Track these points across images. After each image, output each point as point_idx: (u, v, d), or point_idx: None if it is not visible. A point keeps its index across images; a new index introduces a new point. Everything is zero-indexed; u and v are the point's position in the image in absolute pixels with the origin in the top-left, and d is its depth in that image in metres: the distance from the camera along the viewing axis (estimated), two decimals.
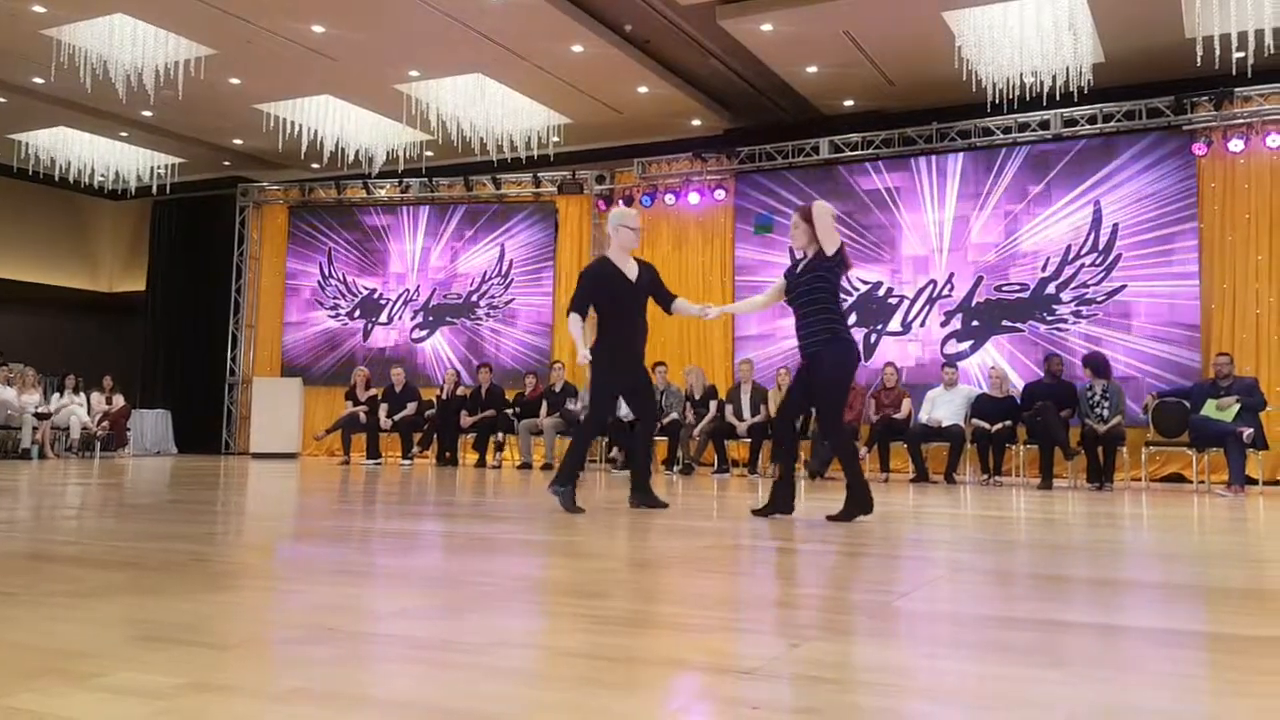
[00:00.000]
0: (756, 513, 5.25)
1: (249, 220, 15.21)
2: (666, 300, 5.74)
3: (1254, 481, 9.14)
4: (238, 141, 14.57)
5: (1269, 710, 1.66)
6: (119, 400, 13.52)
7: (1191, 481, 9.78)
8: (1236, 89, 10.28)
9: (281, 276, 15.04)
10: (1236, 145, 10.29)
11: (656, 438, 11.15)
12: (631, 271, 5.56)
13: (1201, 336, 10.31)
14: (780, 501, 5.18)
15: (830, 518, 5.04)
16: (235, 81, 12.08)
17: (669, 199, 12.97)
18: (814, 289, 5.12)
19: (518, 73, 11.52)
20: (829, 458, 10.21)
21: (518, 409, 12.00)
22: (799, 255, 5.39)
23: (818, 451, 10.28)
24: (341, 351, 14.61)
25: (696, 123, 13.16)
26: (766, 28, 10.20)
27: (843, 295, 11.71)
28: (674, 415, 10.92)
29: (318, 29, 10.53)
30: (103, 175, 14.79)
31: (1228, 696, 1.75)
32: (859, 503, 5.02)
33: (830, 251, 5.13)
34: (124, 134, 14.03)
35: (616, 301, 5.54)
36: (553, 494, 5.44)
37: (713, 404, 10.95)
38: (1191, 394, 9.25)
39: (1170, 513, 6.43)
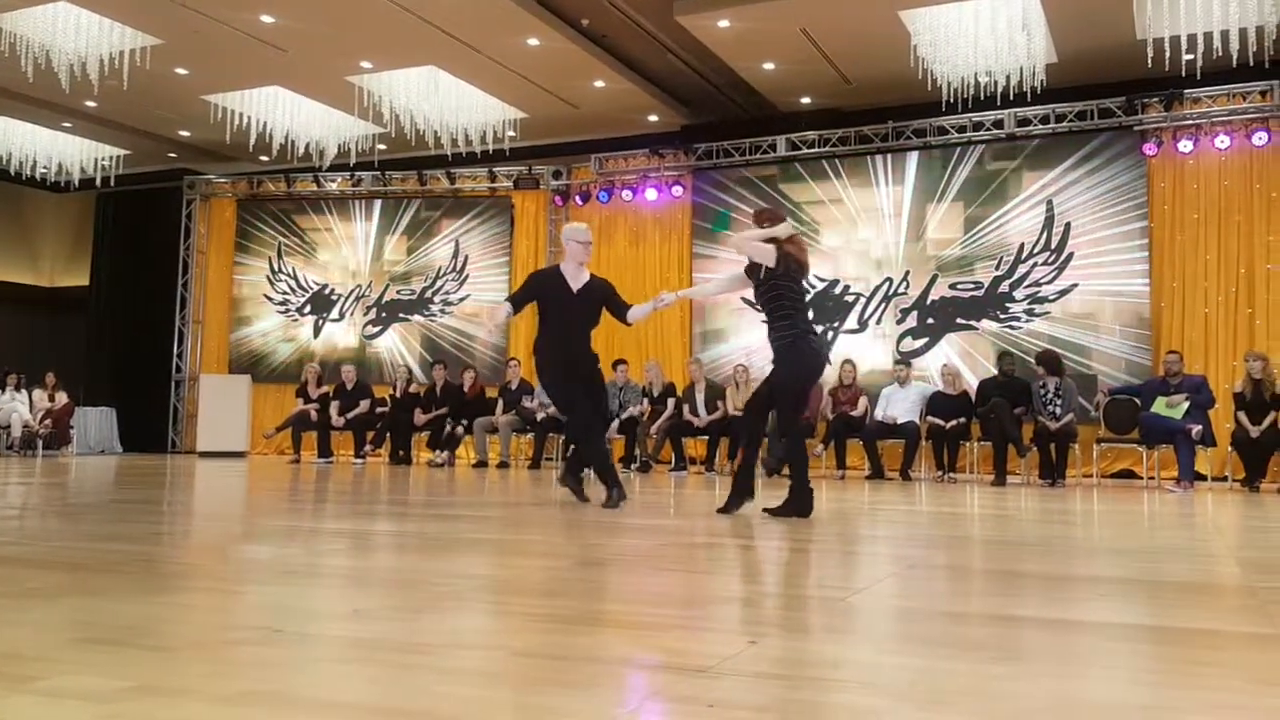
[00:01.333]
0: (722, 511, 5.24)
1: (196, 214, 14.96)
2: (621, 311, 5.94)
3: (1203, 478, 9.32)
4: (184, 133, 14.32)
5: (1215, 702, 1.68)
6: (62, 398, 13.24)
7: (1142, 478, 9.95)
8: (1186, 90, 10.46)
9: (229, 271, 14.82)
10: (1186, 146, 10.48)
11: (615, 435, 11.16)
12: (577, 283, 5.78)
13: (1152, 334, 10.49)
14: (742, 490, 5.24)
15: (767, 510, 5.12)
16: (182, 72, 11.87)
17: (626, 195, 12.95)
18: (773, 297, 5.27)
19: (472, 66, 11.43)
20: (784, 456, 10.27)
21: (458, 416, 11.79)
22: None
23: (774, 449, 10.33)
24: (291, 348, 14.42)
25: (654, 119, 13.15)
26: (723, 24, 10.21)
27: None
28: (632, 412, 10.92)
29: (267, 19, 10.37)
30: (45, 167, 14.46)
31: (1176, 689, 1.77)
32: (798, 505, 5.08)
33: (771, 264, 5.18)
34: (67, 125, 13.73)
35: (552, 307, 5.79)
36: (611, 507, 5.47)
37: (670, 401, 10.95)
38: (1142, 391, 9.42)
39: (1121, 508, 6.53)
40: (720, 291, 5.93)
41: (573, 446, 6.17)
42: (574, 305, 5.75)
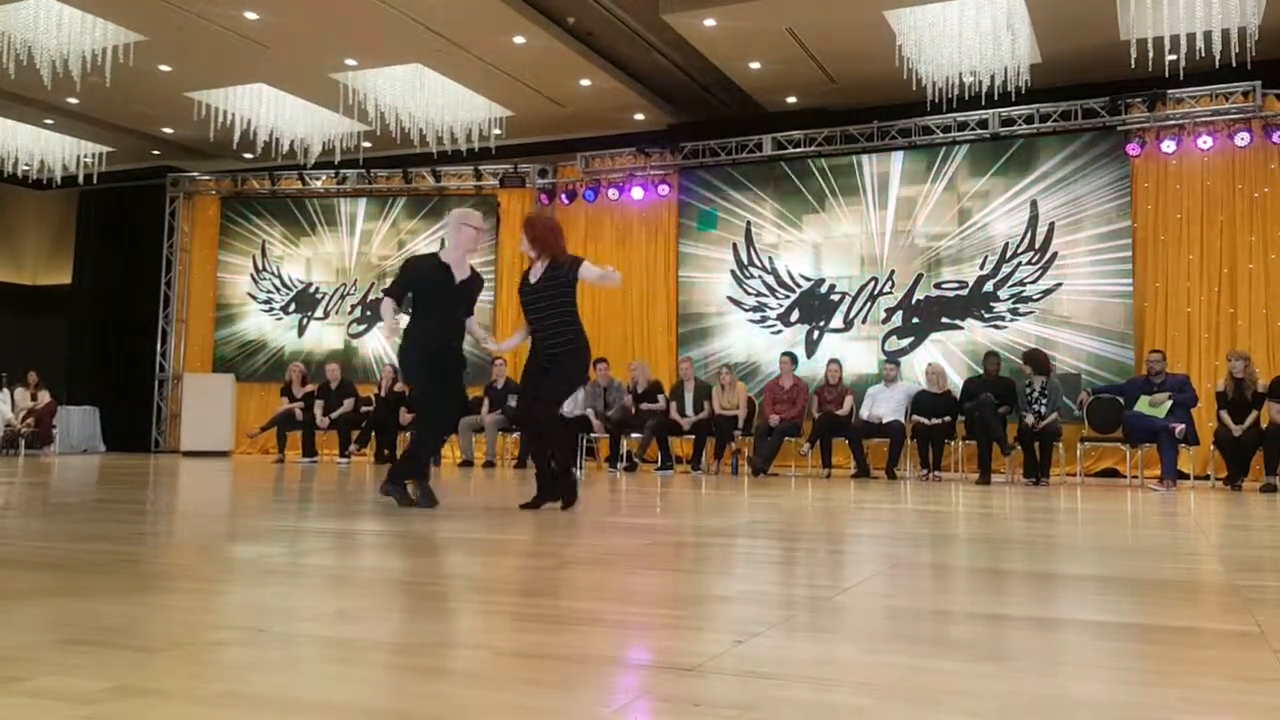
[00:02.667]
0: (525, 506, 5.30)
1: (179, 211, 14.87)
2: (467, 315, 5.60)
3: (1185, 476, 9.36)
4: (168, 130, 14.24)
5: (1198, 699, 1.69)
6: (44, 396, 13.15)
7: (1125, 476, 9.99)
8: (1169, 91, 10.52)
9: (213, 269, 14.74)
10: (1169, 146, 10.53)
11: (600, 435, 11.16)
12: (460, 273, 5.45)
13: (1135, 334, 10.54)
14: (547, 490, 5.33)
15: (523, 506, 5.25)
16: (165, 69, 11.79)
17: (612, 194, 12.93)
18: (564, 302, 5.29)
19: (458, 64, 11.40)
20: (770, 454, 10.30)
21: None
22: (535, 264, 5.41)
23: (759, 448, 10.34)
24: (275, 347, 14.36)
25: (640, 117, 13.15)
26: (710, 23, 10.21)
27: (782, 292, 11.92)
28: (616, 411, 10.92)
29: (250, 15, 10.32)
30: (26, 164, 14.35)
31: (1158, 686, 1.78)
32: (550, 490, 5.27)
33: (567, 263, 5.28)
34: (49, 121, 13.63)
35: (437, 296, 5.42)
36: (384, 493, 5.26)
37: (661, 399, 10.92)
38: (1125, 390, 9.45)
39: (1104, 507, 6.56)
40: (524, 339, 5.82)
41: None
42: (451, 295, 5.42)
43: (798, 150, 12.12)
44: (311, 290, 14.34)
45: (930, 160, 11.55)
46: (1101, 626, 2.35)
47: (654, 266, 12.71)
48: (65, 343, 15.90)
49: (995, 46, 9.98)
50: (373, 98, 12.14)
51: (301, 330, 14.30)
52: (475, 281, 5.56)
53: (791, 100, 12.42)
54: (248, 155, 14.49)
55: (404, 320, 5.49)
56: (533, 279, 5.34)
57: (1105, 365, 10.56)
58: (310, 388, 12.34)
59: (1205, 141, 10.37)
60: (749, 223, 12.24)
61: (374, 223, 14.18)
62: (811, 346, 11.78)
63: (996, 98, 10.44)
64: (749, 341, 12.12)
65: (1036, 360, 9.72)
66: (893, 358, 11.14)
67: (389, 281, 12.70)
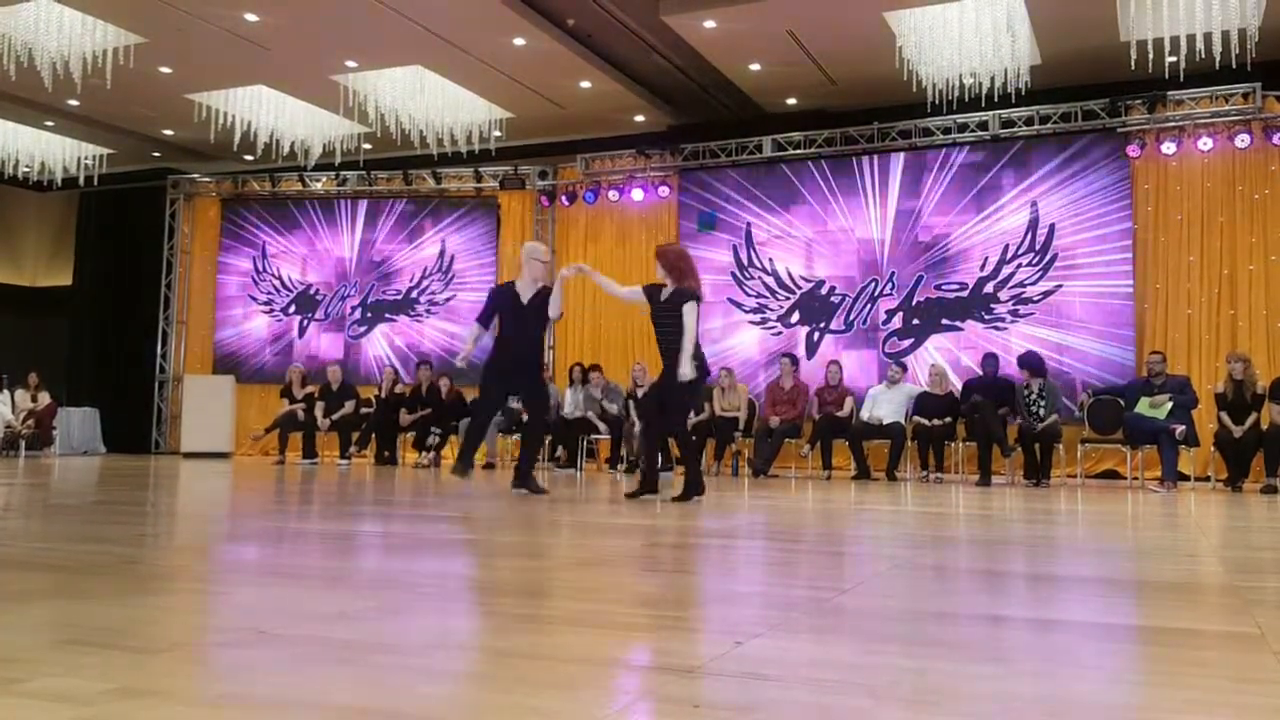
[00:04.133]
0: (630, 496, 6.31)
1: (180, 213, 14.88)
2: (539, 324, 6.86)
3: (1186, 478, 9.36)
4: (168, 132, 14.24)
5: (1199, 701, 1.68)
6: (45, 398, 13.15)
7: (1126, 478, 9.99)
8: (1169, 92, 10.52)
9: (213, 271, 14.75)
10: (1169, 148, 10.54)
11: (600, 436, 11.19)
12: (526, 295, 6.66)
13: (1135, 335, 10.54)
14: (648, 483, 6.33)
15: (673, 499, 6.12)
16: (166, 70, 11.80)
17: (613, 195, 12.94)
18: (678, 317, 6.16)
19: (458, 66, 11.41)
20: (770, 456, 10.31)
21: (436, 421, 11.67)
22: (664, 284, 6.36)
23: (760, 450, 10.35)
24: (276, 348, 14.36)
25: (640, 119, 13.15)
26: (710, 24, 10.22)
27: (782, 293, 11.94)
28: (614, 413, 10.92)
29: (251, 17, 10.32)
30: (27, 166, 14.36)
31: (1160, 688, 1.78)
32: (695, 487, 6.17)
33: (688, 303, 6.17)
34: (49, 123, 13.64)
35: (507, 317, 6.72)
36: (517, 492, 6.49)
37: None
38: (1126, 392, 9.46)
39: (1105, 509, 6.56)
40: (616, 296, 7.02)
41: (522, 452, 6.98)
42: (522, 315, 6.62)
43: (798, 152, 12.12)
44: (311, 292, 14.34)
45: (930, 162, 11.55)
46: (1101, 628, 2.35)
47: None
48: (65, 344, 15.91)
49: (995, 48, 9.98)
50: (373, 99, 12.14)
51: (301, 331, 14.31)
52: (540, 295, 6.66)
53: (791, 102, 12.43)
54: (248, 157, 14.49)
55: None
56: (661, 298, 6.26)
57: (1106, 366, 10.55)
58: (310, 389, 12.33)
59: (1205, 143, 10.38)
60: (749, 224, 12.24)
61: (374, 224, 14.18)
62: (811, 348, 11.78)
63: (996, 99, 10.44)
64: (749, 343, 12.12)
65: (1032, 363, 9.72)
66: (895, 359, 11.15)
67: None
